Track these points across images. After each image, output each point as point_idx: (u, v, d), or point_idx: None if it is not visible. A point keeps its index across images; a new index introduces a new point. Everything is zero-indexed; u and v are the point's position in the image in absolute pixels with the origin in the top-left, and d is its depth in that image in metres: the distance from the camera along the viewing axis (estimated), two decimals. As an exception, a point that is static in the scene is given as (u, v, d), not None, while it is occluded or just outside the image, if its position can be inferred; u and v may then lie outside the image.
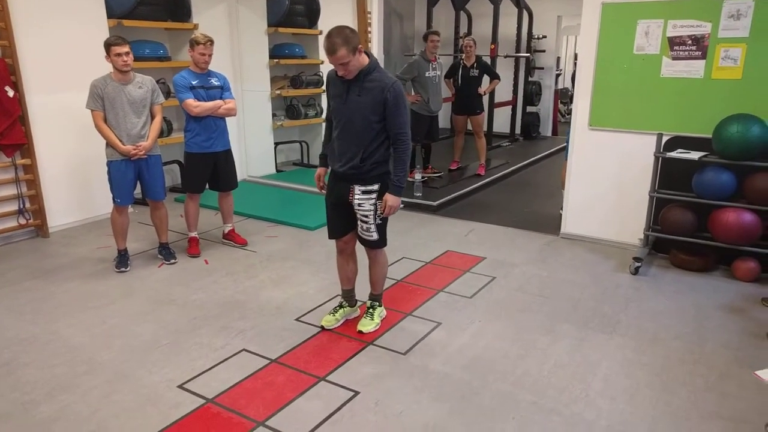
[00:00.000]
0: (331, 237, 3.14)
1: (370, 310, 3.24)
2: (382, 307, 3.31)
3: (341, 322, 3.26)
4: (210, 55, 4.07)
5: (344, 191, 2.95)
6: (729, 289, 3.77)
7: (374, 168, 2.89)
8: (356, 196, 2.93)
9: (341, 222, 3.07)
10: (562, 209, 5.27)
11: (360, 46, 2.68)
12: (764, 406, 2.53)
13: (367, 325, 3.18)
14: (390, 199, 2.88)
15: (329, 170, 3.09)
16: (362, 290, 3.40)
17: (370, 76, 2.78)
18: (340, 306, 3.29)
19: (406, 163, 2.88)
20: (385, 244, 3.11)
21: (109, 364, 2.86)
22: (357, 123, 2.83)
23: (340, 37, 2.61)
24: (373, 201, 2.93)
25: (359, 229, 3.03)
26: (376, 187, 2.91)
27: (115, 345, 3.04)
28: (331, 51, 2.63)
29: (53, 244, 4.58)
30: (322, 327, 3.21)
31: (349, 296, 3.31)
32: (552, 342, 3.09)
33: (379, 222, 2.99)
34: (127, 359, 2.91)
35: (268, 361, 2.89)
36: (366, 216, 2.96)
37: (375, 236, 3.01)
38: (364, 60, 2.75)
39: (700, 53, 3.95)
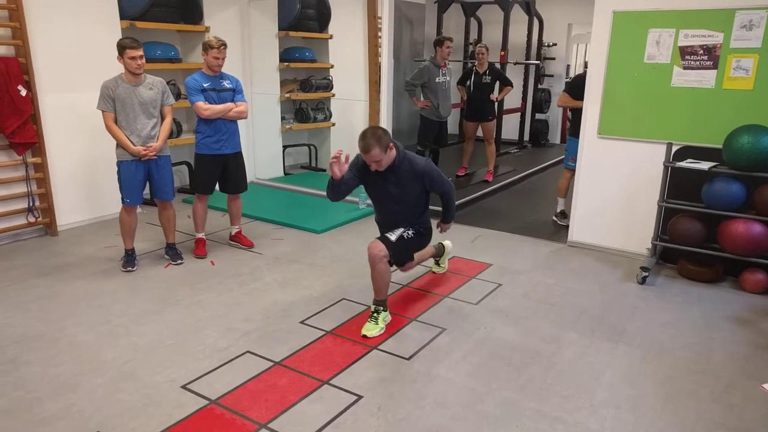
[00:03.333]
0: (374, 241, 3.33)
1: (374, 315, 3.24)
2: (387, 312, 3.31)
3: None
4: (223, 59, 4.10)
5: None
6: (737, 301, 3.73)
7: (421, 225, 3.41)
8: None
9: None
10: (555, 216, 5.28)
11: (390, 144, 3.07)
12: (771, 419, 2.51)
13: (371, 330, 3.17)
14: (444, 225, 3.60)
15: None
16: (368, 295, 3.40)
17: (402, 168, 3.21)
18: (377, 311, 3.29)
19: (454, 203, 3.49)
20: (402, 260, 3.44)
21: (114, 363, 2.87)
22: (399, 206, 3.33)
23: (373, 138, 3.00)
24: (405, 231, 3.33)
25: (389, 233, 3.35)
26: (413, 230, 3.37)
27: (120, 344, 3.06)
28: (365, 150, 3.02)
29: (61, 242, 4.61)
30: (364, 335, 3.17)
31: (382, 303, 3.34)
32: (557, 350, 3.07)
33: (406, 237, 3.30)
34: (132, 359, 2.92)
35: (272, 364, 2.89)
36: (397, 232, 3.32)
37: (393, 238, 3.27)
38: (393, 154, 3.13)
39: (711, 63, 3.93)
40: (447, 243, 4.08)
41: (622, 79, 4.25)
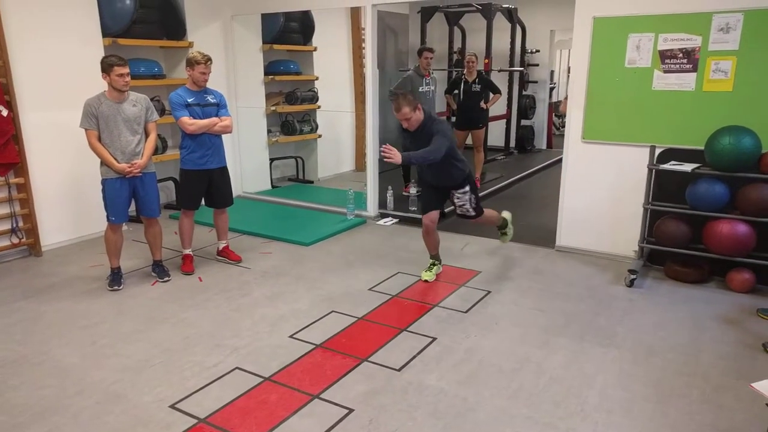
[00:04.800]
0: (423, 213, 4.09)
1: (431, 267, 4.14)
2: (439, 265, 4.22)
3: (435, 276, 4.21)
4: (209, 74, 4.09)
5: (445, 193, 4.10)
6: (724, 301, 3.76)
7: (458, 176, 3.96)
8: (456, 197, 4.08)
9: (434, 201, 4.10)
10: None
11: (417, 104, 3.73)
12: (760, 418, 2.51)
13: (429, 275, 4.09)
14: (397, 155, 3.62)
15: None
16: (357, 308, 3.37)
17: (426, 128, 3.80)
18: (433, 264, 4.20)
19: (429, 153, 3.69)
20: (482, 212, 4.17)
21: (101, 384, 2.83)
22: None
23: (405, 100, 3.68)
24: (467, 196, 4.04)
25: (459, 210, 4.14)
26: (467, 188, 4.02)
27: (107, 365, 3.01)
28: (397, 109, 3.69)
29: (46, 262, 4.56)
30: (425, 281, 4.10)
31: (436, 258, 4.23)
32: (547, 355, 3.07)
33: (474, 205, 4.08)
34: (119, 379, 2.88)
35: (262, 379, 2.86)
36: (464, 204, 4.09)
37: (472, 213, 4.11)
38: (420, 115, 3.76)
39: (691, 66, 3.98)
40: (507, 214, 4.64)
41: (604, 84, 4.29)
